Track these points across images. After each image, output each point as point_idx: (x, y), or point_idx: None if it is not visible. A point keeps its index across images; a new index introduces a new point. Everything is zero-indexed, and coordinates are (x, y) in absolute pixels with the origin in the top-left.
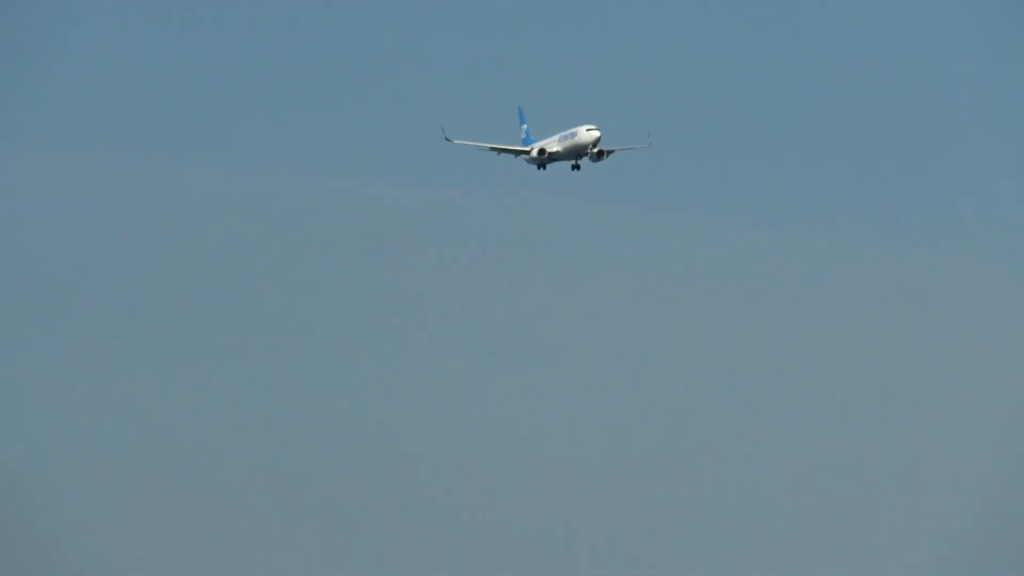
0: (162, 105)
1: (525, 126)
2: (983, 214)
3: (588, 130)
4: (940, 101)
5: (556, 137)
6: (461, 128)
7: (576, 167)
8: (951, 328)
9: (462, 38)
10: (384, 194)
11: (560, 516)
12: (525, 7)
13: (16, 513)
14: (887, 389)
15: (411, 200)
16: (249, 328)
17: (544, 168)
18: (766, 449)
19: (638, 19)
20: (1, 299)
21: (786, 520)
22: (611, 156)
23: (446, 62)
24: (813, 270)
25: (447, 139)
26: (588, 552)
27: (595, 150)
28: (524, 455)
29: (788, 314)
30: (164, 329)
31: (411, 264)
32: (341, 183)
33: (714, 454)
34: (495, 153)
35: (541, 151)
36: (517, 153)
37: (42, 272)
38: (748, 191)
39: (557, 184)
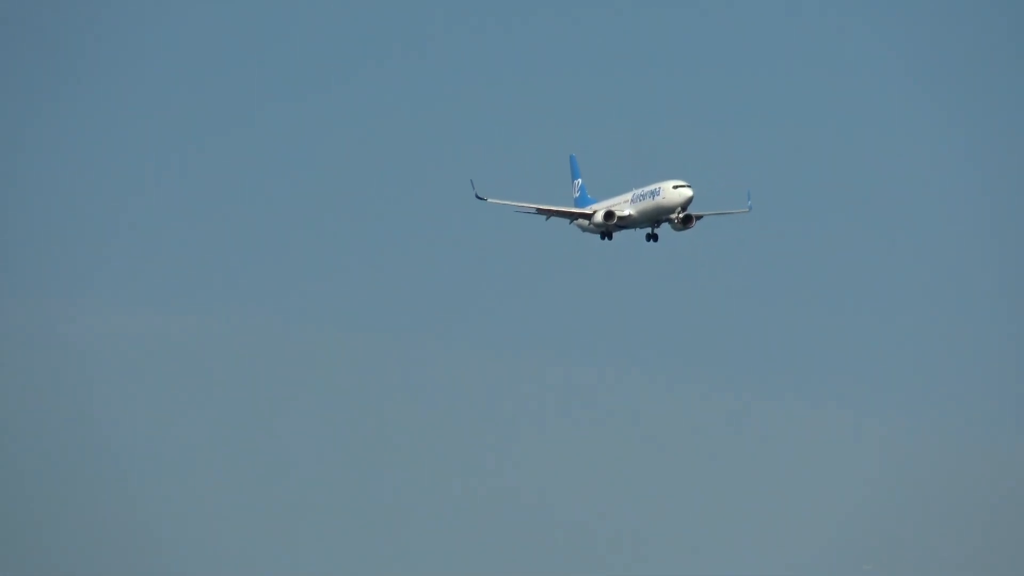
0: None
1: (579, 180)
2: None
3: (676, 187)
4: None
5: (628, 196)
6: (495, 183)
7: (653, 237)
8: None
9: (495, 70)
10: (392, 269)
11: None
12: (568, 33)
13: None
14: None
15: (427, 277)
16: None
17: (610, 238)
18: None
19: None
20: None
21: None
22: (699, 222)
23: (472, 99)
24: None
25: (479, 197)
26: None
27: (682, 214)
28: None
29: None
30: None
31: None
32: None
33: None
34: (543, 217)
35: (608, 214)
36: (573, 217)
37: None
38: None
39: (628, 260)
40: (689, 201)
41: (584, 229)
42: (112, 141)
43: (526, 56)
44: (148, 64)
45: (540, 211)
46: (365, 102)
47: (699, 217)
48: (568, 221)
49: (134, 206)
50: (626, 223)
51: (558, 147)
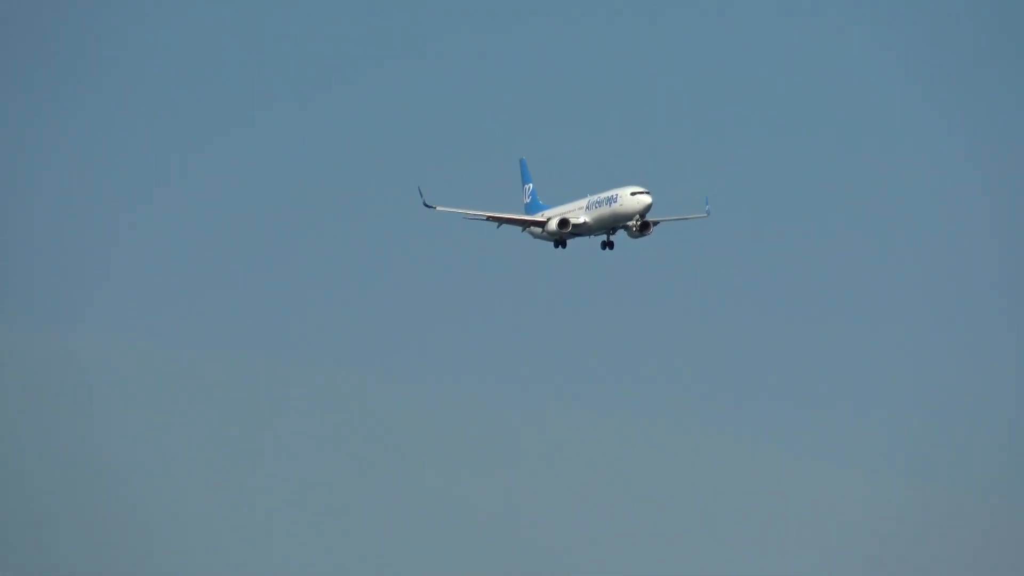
0: None
1: (531, 185)
2: None
3: (634, 194)
4: None
5: (583, 203)
6: (442, 190)
7: (609, 245)
8: None
9: (440, 72)
10: (345, 279)
11: None
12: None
13: None
14: None
15: (377, 288)
16: None
17: (564, 246)
18: None
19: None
20: None
21: None
22: (656, 228)
23: (417, 103)
24: None
25: (427, 205)
26: None
27: (640, 221)
28: None
29: None
30: None
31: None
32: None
33: None
34: (494, 224)
35: (563, 222)
36: (525, 224)
37: None
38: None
39: (583, 269)
40: (648, 208)
41: (536, 237)
42: (109, 144)
43: (472, 58)
44: (142, 69)
45: (491, 219)
46: (310, 107)
47: (655, 223)
48: (520, 229)
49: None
50: (581, 231)
51: (507, 151)
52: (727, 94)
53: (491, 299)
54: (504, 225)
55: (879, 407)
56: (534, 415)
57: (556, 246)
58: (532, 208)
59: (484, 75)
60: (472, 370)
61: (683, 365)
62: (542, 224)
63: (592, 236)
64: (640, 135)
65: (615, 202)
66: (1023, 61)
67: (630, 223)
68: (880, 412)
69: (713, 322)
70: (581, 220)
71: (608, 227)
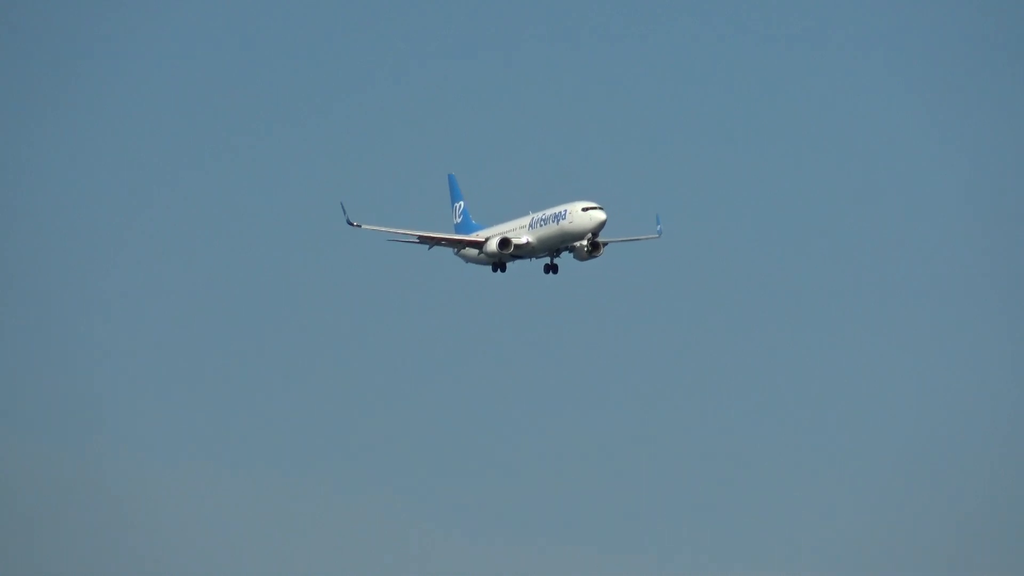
0: None
1: (461, 204)
2: None
3: (586, 210)
4: None
5: (525, 221)
6: (363, 207)
7: (552, 268)
8: None
9: (363, 82)
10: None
11: None
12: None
13: None
14: None
15: (298, 310)
16: None
17: (503, 269)
18: None
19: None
20: None
21: None
22: (604, 250)
23: (336, 114)
24: None
25: (350, 223)
26: None
27: (591, 241)
28: None
29: None
30: None
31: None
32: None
33: None
34: (424, 246)
35: (504, 242)
36: (461, 245)
37: None
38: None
39: (525, 295)
40: (601, 225)
41: (469, 260)
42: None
43: (395, 67)
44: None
45: (423, 239)
46: (224, 122)
47: (604, 244)
48: (453, 251)
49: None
50: (523, 252)
51: (433, 166)
52: (677, 104)
53: (423, 328)
54: (435, 246)
55: (854, 440)
56: (469, 468)
57: (495, 270)
58: (464, 228)
59: (410, 86)
60: (406, 413)
61: (644, 403)
62: (479, 245)
63: (534, 259)
64: (579, 152)
65: (563, 219)
66: (1022, 62)
67: (580, 243)
68: (857, 442)
69: (674, 352)
70: (524, 240)
71: (554, 248)
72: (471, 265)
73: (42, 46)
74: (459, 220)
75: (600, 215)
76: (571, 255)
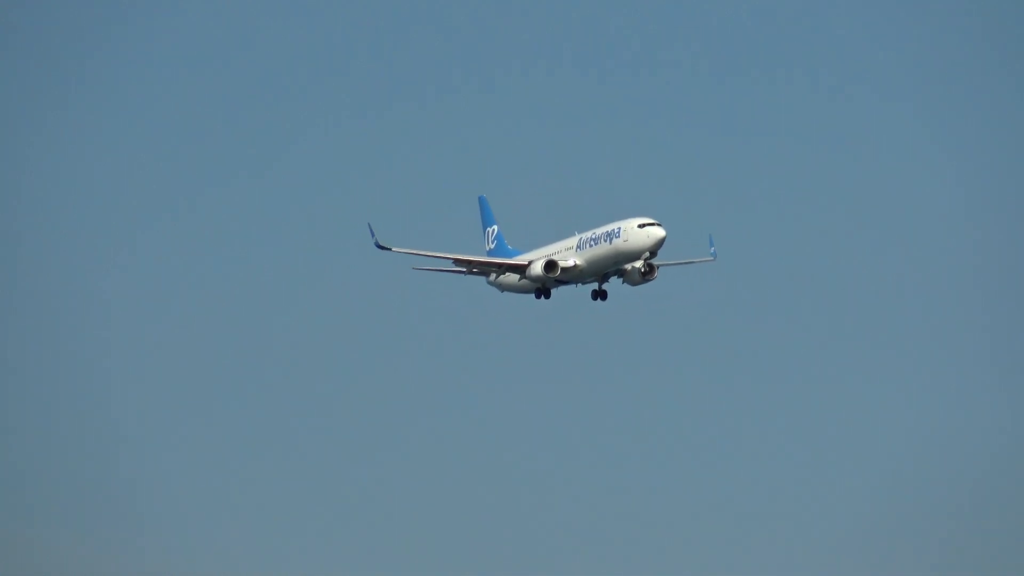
0: None
1: (495, 228)
2: None
3: (643, 226)
4: None
5: (571, 242)
6: (391, 231)
7: (601, 295)
8: None
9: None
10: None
11: None
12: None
13: None
14: None
15: (316, 344)
16: None
17: (547, 296)
18: None
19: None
20: None
21: None
22: (658, 273)
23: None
24: None
25: (379, 246)
26: None
27: (646, 263)
28: None
29: None
30: None
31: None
32: None
33: None
34: (454, 273)
35: (550, 264)
36: (503, 269)
37: None
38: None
39: (572, 323)
40: (660, 243)
41: (505, 288)
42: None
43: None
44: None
45: (459, 262)
46: (249, 140)
47: (657, 267)
48: (487, 279)
49: None
50: (570, 276)
51: (464, 189)
52: (709, 123)
53: (463, 361)
54: (473, 271)
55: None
56: (512, 508)
57: (538, 296)
58: (499, 254)
59: (438, 109)
60: (440, 448)
61: (699, 441)
62: (522, 268)
63: (581, 284)
64: (617, 174)
65: (617, 237)
66: (1021, 64)
67: (635, 264)
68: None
69: (734, 385)
70: (571, 263)
71: (604, 271)
72: (506, 294)
73: (42, 46)
74: (492, 246)
75: (659, 232)
76: (620, 280)
